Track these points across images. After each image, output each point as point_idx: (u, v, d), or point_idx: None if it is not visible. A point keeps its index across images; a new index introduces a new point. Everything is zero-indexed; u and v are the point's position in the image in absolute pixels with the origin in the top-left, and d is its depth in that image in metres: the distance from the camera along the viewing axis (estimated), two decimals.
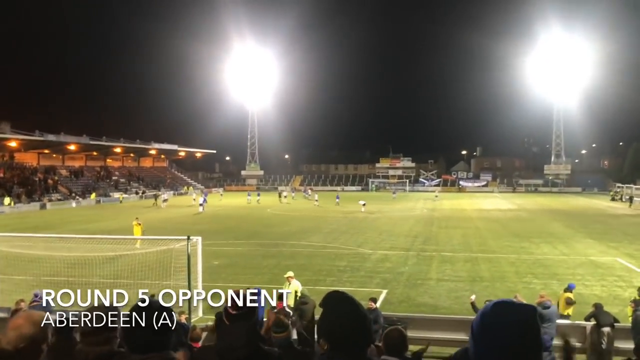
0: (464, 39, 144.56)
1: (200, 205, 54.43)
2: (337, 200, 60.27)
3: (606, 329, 10.95)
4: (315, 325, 2.32)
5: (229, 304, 3.09)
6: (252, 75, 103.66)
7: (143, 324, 2.40)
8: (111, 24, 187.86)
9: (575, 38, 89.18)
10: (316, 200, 61.64)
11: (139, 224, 28.65)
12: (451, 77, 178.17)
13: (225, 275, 20.63)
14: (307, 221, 42.76)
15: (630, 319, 11.54)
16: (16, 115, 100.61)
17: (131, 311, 2.46)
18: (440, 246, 28.67)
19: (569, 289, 13.65)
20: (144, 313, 2.44)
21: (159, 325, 2.42)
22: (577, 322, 12.14)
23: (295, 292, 13.94)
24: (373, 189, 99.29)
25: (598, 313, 11.44)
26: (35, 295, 13.11)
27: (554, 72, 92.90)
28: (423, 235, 33.43)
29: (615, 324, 11.23)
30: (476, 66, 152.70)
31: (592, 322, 11.48)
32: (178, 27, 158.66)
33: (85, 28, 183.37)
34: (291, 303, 12.81)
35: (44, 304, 12.50)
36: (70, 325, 6.55)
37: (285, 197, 70.00)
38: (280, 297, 12.03)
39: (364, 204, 52.60)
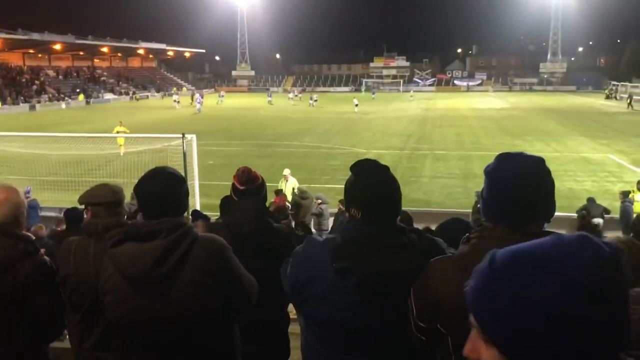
0: None
1: (198, 106, 53.75)
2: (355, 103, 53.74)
3: (596, 220, 11.24)
4: (345, 193, 2.25)
5: (237, 180, 3.08)
6: None
7: (154, 190, 2.38)
8: None
9: None
10: (315, 100, 60.39)
11: (124, 130, 26.09)
12: None
13: (220, 174, 20.68)
14: (300, 123, 42.55)
15: (619, 210, 11.85)
16: None
17: (142, 178, 2.44)
18: (433, 145, 28.79)
19: None
20: (154, 179, 2.42)
21: (169, 190, 2.40)
22: (567, 213, 12.43)
23: (293, 188, 14.11)
24: (363, 90, 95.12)
25: (589, 205, 11.71)
26: (26, 192, 13.25)
27: None
28: (417, 134, 33.46)
29: (605, 215, 11.53)
30: None
31: (581, 214, 11.78)
32: None
33: None
34: (289, 199, 13.02)
35: (33, 200, 12.73)
36: (80, 214, 6.68)
37: (291, 99, 68.55)
38: (277, 192, 12.25)
39: (356, 104, 52.16)
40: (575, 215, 12.20)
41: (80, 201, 3.06)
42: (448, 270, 1.86)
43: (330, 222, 12.08)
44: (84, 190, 3.10)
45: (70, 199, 13.39)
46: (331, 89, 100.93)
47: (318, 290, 2.14)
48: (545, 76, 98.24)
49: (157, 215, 2.35)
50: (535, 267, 0.92)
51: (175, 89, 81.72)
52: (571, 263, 0.90)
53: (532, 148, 27.04)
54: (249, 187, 3.08)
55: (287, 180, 14.75)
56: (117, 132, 25.17)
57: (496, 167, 1.87)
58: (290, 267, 2.27)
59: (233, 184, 3.14)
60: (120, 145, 22.84)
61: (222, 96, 67.51)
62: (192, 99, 60.38)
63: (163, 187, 2.38)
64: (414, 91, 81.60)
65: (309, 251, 2.27)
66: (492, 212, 1.88)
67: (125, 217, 3.06)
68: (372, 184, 2.15)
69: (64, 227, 7.83)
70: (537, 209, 1.84)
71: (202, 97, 58.80)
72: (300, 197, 12.42)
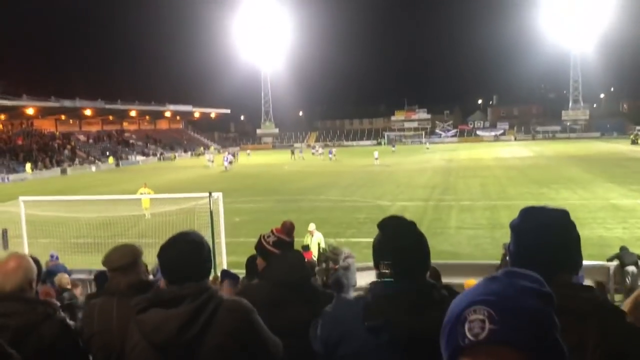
0: None
1: (226, 164, 55.29)
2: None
3: (630, 268, 11.00)
4: (373, 250, 2.28)
5: (284, 233, 3.17)
6: (264, 32, 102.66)
7: (175, 256, 2.43)
8: None
9: None
10: (334, 155, 61.73)
11: (148, 191, 24.82)
12: (466, 25, 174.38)
13: (246, 231, 20.80)
14: (324, 176, 42.87)
15: None
16: (32, 82, 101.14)
17: (163, 244, 2.49)
18: (458, 195, 28.65)
19: None
20: (174, 245, 2.46)
21: (193, 255, 2.44)
22: (600, 262, 12.19)
23: (319, 244, 14.08)
24: (383, 143, 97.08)
25: (622, 254, 11.49)
26: (51, 256, 13.51)
27: (570, 16, 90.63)
28: (441, 185, 33.40)
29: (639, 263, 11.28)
30: (490, 13, 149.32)
31: (616, 263, 11.54)
32: None
33: None
34: (315, 255, 12.98)
35: (59, 263, 12.92)
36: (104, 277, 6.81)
37: (315, 153, 69.76)
38: (305, 248, 12.28)
39: (376, 157, 53.07)
40: (606, 263, 11.97)
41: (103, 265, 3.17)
42: None
43: (357, 276, 12.01)
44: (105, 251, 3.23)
45: (100, 261, 13.57)
46: (354, 142, 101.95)
47: (351, 349, 2.12)
48: (568, 124, 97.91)
49: (181, 281, 2.38)
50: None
51: (211, 147, 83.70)
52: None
53: (559, 196, 26.75)
54: (293, 239, 3.16)
55: (312, 235, 14.75)
56: (141, 194, 24.11)
57: (521, 220, 1.93)
58: (320, 326, 2.27)
59: (277, 238, 3.19)
60: (145, 209, 22.62)
61: (249, 153, 68.86)
62: (211, 160, 61.98)
63: (184, 252, 2.42)
64: (430, 143, 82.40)
65: (339, 310, 2.27)
66: (519, 265, 1.88)
67: (151, 275, 3.13)
68: (399, 240, 2.18)
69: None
70: (563, 260, 1.88)
71: (232, 156, 60.48)
72: (333, 252, 12.43)
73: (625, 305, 2.42)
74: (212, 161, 60.96)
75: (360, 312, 2.10)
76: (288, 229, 3.19)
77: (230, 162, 56.76)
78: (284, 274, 2.99)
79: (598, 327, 1.75)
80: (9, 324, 2.46)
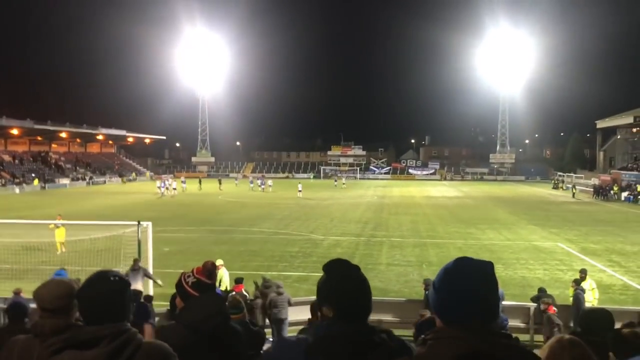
0: (415, 30, 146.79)
1: (159, 188, 55.50)
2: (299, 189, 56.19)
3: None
4: (317, 292, 2.30)
5: (204, 275, 3.09)
6: (202, 61, 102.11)
7: (97, 295, 2.34)
8: (58, 4, 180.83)
9: (520, 31, 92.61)
10: (270, 186, 62.13)
11: (59, 225, 21.58)
12: (402, 67, 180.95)
13: (175, 261, 20.36)
14: (259, 208, 42.67)
15: (571, 298, 12.18)
16: None
17: (84, 282, 2.41)
18: (390, 232, 29.19)
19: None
20: (96, 283, 2.38)
21: (113, 295, 2.36)
22: (521, 303, 12.70)
23: (220, 280, 13.69)
24: (311, 178, 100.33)
25: (542, 295, 12.03)
26: None
27: (500, 64, 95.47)
28: (373, 221, 33.93)
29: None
30: (426, 57, 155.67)
31: (536, 304, 12.05)
32: (127, 8, 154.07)
33: (33, 8, 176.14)
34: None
35: None
36: (23, 308, 6.48)
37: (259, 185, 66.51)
38: (238, 280, 12.12)
39: (300, 190, 54.89)
40: (527, 304, 12.50)
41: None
42: None
43: (289, 310, 11.95)
44: (33, 279, 3.05)
45: (14, 288, 12.95)
46: (290, 175, 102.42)
47: None
48: (495, 166, 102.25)
49: (99, 321, 2.29)
50: None
51: (166, 175, 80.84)
52: None
53: (485, 236, 27.75)
54: (213, 281, 3.09)
55: (218, 270, 14.31)
56: (56, 226, 21.50)
57: (457, 269, 1.97)
58: None
59: (197, 279, 3.10)
60: (61, 243, 21.12)
61: (184, 182, 66.24)
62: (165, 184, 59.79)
63: (104, 292, 2.33)
64: (347, 178, 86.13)
65: (281, 351, 2.28)
66: (448, 311, 1.94)
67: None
68: (344, 283, 2.21)
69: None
70: (495, 310, 1.96)
71: (167, 183, 59.44)
72: (264, 286, 12.31)
73: (541, 352, 2.51)
74: (166, 188, 57.50)
75: (301, 353, 2.11)
76: (209, 270, 3.07)
77: (167, 189, 56.39)
78: (198, 320, 2.91)
79: None
80: None
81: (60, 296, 2.80)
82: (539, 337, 11.73)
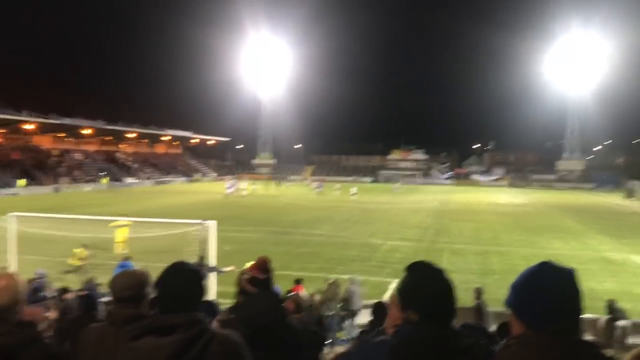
0: (481, 33, 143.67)
1: (228, 189, 57.61)
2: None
3: (621, 323, 10.94)
4: (400, 294, 2.26)
5: (258, 269, 3.12)
6: (265, 64, 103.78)
7: (174, 285, 2.44)
8: (129, 9, 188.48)
9: (592, 33, 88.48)
10: (353, 194, 57.73)
11: (125, 225, 22.00)
12: (467, 70, 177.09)
13: (236, 261, 20.61)
14: (318, 211, 42.84)
15: None
16: (33, 98, 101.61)
17: (163, 272, 2.51)
18: (451, 238, 28.64)
19: None
20: (175, 273, 2.48)
21: (188, 286, 2.46)
22: (591, 315, 12.13)
23: None
24: (369, 181, 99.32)
25: (611, 308, 11.46)
26: (38, 274, 13.41)
27: (570, 67, 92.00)
28: (434, 227, 33.39)
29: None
30: (493, 60, 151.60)
31: (606, 317, 11.49)
32: (194, 14, 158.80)
33: (105, 13, 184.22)
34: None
35: (43, 282, 12.82)
36: (94, 299, 6.75)
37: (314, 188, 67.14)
38: (298, 281, 12.21)
39: (354, 193, 55.51)
40: (595, 317, 11.92)
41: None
42: None
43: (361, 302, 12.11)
44: (102, 272, 3.16)
45: (86, 279, 13.46)
46: (349, 178, 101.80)
47: None
48: (563, 173, 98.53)
49: (175, 310, 2.39)
50: None
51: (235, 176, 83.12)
52: None
53: (551, 246, 26.77)
54: (268, 276, 3.12)
55: None
56: (120, 225, 21.93)
57: (543, 272, 1.94)
58: None
59: (251, 276, 3.16)
60: (122, 242, 21.47)
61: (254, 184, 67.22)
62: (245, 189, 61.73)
63: (182, 282, 2.45)
64: (400, 184, 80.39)
65: (363, 351, 2.27)
66: (533, 316, 1.90)
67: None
68: (430, 287, 2.18)
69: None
70: (579, 317, 1.91)
71: (235, 184, 61.47)
72: (332, 285, 12.55)
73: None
74: (237, 188, 59.57)
75: (383, 355, 2.08)
76: (260, 265, 3.12)
77: (239, 189, 58.77)
78: (252, 315, 2.98)
79: None
80: None
81: (132, 286, 2.96)
82: (609, 352, 11.17)
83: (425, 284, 2.19)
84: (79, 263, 18.60)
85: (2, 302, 2.71)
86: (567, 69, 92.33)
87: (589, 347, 1.87)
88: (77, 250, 18.83)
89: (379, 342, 2.24)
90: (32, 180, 62.09)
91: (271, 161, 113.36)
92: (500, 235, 30.41)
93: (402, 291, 2.23)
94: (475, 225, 34.68)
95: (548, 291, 1.88)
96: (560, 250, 25.40)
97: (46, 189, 60.96)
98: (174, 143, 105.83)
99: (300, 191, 67.91)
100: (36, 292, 11.50)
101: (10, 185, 57.96)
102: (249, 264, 13.11)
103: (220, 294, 13.28)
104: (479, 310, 11.95)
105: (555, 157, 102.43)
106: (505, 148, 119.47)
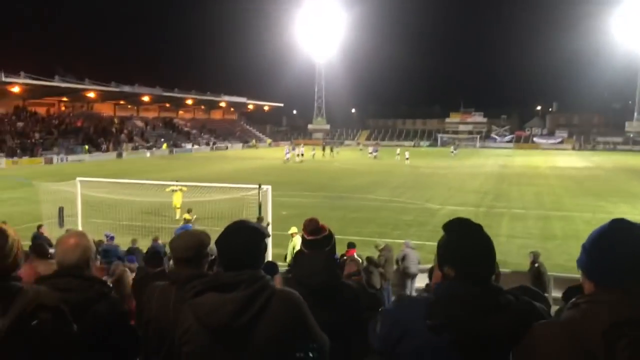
0: None
1: (286, 154, 58.68)
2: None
3: None
4: (437, 252, 2.19)
5: (305, 230, 3.12)
6: (320, 28, 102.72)
7: (237, 242, 2.47)
8: None
9: None
10: (407, 159, 57.22)
11: (181, 189, 22.10)
12: (527, 29, 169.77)
13: (292, 224, 20.87)
14: (374, 175, 42.65)
15: None
16: (93, 67, 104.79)
17: (225, 230, 2.53)
18: (511, 203, 27.94)
19: None
20: (238, 232, 2.51)
21: (251, 243, 2.49)
22: None
23: (293, 248, 13.51)
24: (423, 145, 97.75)
25: None
26: (107, 236, 13.98)
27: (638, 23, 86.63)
28: (493, 192, 32.66)
29: None
30: (555, 18, 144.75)
31: None
32: None
33: None
34: (289, 259, 12.75)
35: (114, 244, 13.37)
36: (160, 255, 6.95)
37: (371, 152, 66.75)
38: (350, 245, 12.19)
39: (407, 158, 55.38)
40: None
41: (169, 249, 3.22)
42: (554, 336, 1.83)
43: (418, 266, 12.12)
44: (162, 236, 3.20)
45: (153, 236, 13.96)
46: (405, 142, 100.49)
47: (410, 347, 2.11)
48: (631, 135, 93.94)
49: (238, 267, 2.42)
50: None
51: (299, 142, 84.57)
52: None
53: (617, 210, 25.70)
54: (317, 237, 3.10)
55: (293, 239, 14.01)
56: (173, 190, 22.06)
57: (615, 230, 1.86)
58: (380, 323, 2.25)
59: (302, 236, 3.18)
60: (177, 207, 21.77)
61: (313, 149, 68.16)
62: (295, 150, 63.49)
63: (245, 239, 2.48)
64: (457, 147, 78.97)
65: (401, 307, 2.29)
66: (604, 274, 1.84)
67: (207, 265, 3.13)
68: (467, 243, 2.14)
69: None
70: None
71: (293, 149, 62.92)
72: (384, 250, 12.60)
73: None
74: (302, 154, 61.52)
75: (422, 311, 2.08)
76: (307, 226, 3.11)
77: (299, 155, 59.78)
78: (305, 275, 3.01)
79: None
80: (67, 299, 2.48)
81: (191, 247, 3.03)
82: None
83: (460, 240, 2.15)
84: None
85: (72, 259, 2.79)
86: (636, 26, 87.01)
87: None
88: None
89: (418, 298, 2.26)
90: (95, 147, 64.37)
91: (326, 126, 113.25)
92: (562, 199, 29.45)
93: (439, 248, 2.22)
94: (537, 189, 33.69)
95: (618, 248, 1.81)
96: (627, 215, 24.00)
97: (109, 155, 63.19)
98: (230, 109, 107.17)
99: (355, 156, 67.73)
100: (106, 254, 11.96)
101: (76, 152, 60.31)
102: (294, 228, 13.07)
103: (274, 256, 13.46)
104: (536, 274, 11.67)
105: (623, 119, 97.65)
106: (569, 110, 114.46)
